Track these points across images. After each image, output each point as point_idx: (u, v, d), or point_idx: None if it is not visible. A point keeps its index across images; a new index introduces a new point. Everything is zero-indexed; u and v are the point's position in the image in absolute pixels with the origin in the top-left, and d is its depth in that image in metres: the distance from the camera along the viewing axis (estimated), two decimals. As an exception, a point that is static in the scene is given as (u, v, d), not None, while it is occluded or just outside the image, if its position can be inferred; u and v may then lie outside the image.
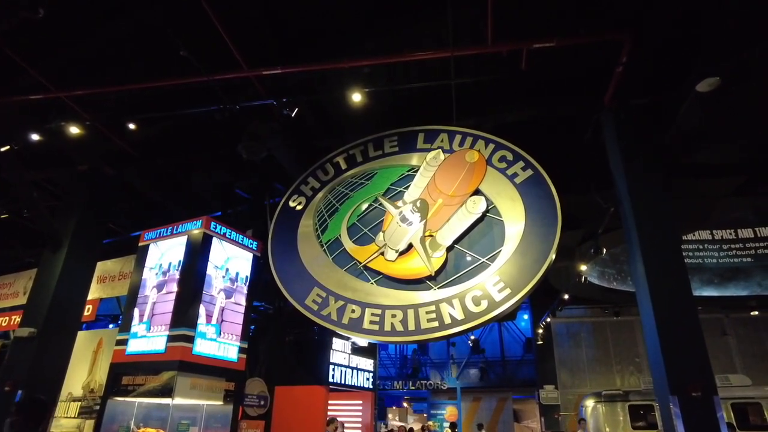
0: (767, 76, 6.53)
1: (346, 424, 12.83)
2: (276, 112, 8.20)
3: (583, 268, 11.90)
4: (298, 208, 9.01)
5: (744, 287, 14.55)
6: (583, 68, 7.88)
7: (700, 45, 6.61)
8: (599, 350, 18.40)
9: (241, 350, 8.76)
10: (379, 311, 7.27)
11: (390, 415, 22.29)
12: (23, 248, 13.08)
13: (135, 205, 11.94)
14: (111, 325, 13.43)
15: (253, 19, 7.35)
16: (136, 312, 8.63)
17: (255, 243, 9.68)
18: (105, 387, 8.43)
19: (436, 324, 6.84)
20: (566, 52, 7.39)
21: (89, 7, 7.06)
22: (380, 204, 8.33)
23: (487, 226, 7.45)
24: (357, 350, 13.53)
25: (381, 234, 7.97)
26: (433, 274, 7.27)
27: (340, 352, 12.90)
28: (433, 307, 7.00)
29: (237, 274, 9.16)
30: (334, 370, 12.45)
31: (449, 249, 7.44)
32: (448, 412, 21.99)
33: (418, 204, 7.89)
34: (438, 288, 7.19)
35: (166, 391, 7.43)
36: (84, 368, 11.00)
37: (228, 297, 8.81)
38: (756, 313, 17.08)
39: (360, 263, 7.84)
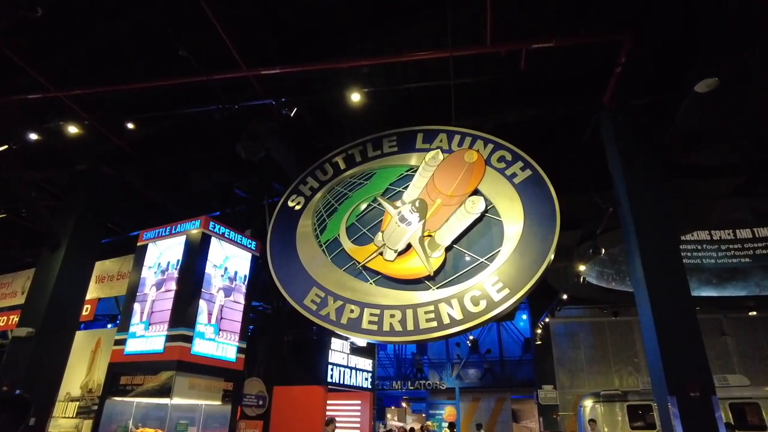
0: (767, 76, 6.52)
1: (344, 425, 12.83)
2: (275, 112, 8.20)
3: (582, 268, 11.90)
4: (297, 208, 9.01)
5: (742, 287, 14.57)
6: (582, 68, 7.89)
7: (700, 45, 6.61)
8: (598, 350, 18.41)
9: (239, 350, 8.76)
10: (377, 311, 7.27)
11: (389, 415, 22.31)
12: (22, 248, 13.06)
13: (134, 205, 11.93)
14: (109, 325, 13.41)
15: (252, 18, 7.35)
16: (135, 311, 8.62)
17: (254, 243, 9.67)
18: (103, 387, 8.42)
19: (434, 324, 6.85)
20: (565, 52, 7.40)
21: (89, 7, 7.05)
22: (379, 204, 8.33)
23: (485, 226, 7.46)
24: (356, 350, 13.53)
25: (380, 234, 7.97)
26: (431, 274, 7.28)
27: (338, 352, 12.90)
28: (431, 307, 7.00)
29: (236, 272, 9.16)
30: (332, 370, 12.44)
31: (448, 249, 7.45)
32: (447, 412, 22.00)
33: (416, 204, 7.89)
34: (437, 288, 7.19)
35: (165, 391, 7.42)
36: (82, 368, 10.99)
37: (227, 295, 8.81)
38: (754, 313, 17.09)
39: (359, 263, 7.84)
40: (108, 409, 8.03)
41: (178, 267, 8.50)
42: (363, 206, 8.51)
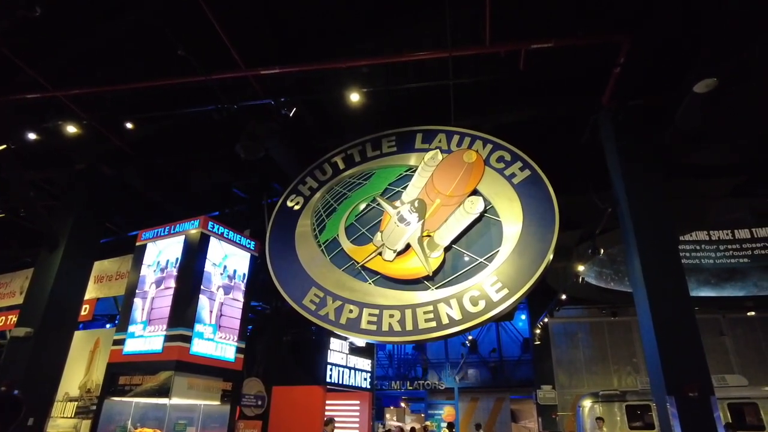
0: (767, 76, 6.53)
1: (343, 425, 12.82)
2: (274, 112, 8.19)
3: (581, 268, 11.91)
4: (296, 208, 9.01)
5: (741, 288, 14.58)
6: (581, 68, 7.90)
7: (700, 45, 6.61)
8: (596, 350, 18.42)
9: (238, 350, 8.75)
10: (376, 311, 7.27)
11: (387, 415, 22.28)
12: (20, 248, 13.04)
13: (132, 205, 11.91)
14: (108, 325, 13.39)
15: (252, 18, 7.35)
16: (136, 307, 8.62)
17: (252, 243, 9.67)
18: (102, 387, 8.40)
19: (433, 324, 6.85)
20: (564, 53, 7.40)
21: (88, 7, 7.04)
22: (378, 204, 8.33)
23: (484, 226, 7.46)
24: (355, 350, 13.52)
25: (379, 234, 7.97)
26: (430, 274, 7.28)
27: (337, 352, 12.89)
28: (430, 307, 7.00)
29: (234, 271, 9.16)
30: (331, 370, 12.44)
31: (447, 249, 7.45)
32: (446, 412, 21.98)
33: (416, 204, 7.90)
34: (436, 288, 7.19)
35: (164, 391, 7.41)
36: (81, 368, 10.97)
37: (226, 293, 8.83)
38: (753, 313, 17.12)
39: (358, 263, 7.84)
40: (106, 409, 8.01)
41: (177, 265, 8.50)
42: (362, 206, 8.51)
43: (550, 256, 6.77)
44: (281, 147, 9.02)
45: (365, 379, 13.79)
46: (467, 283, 7.05)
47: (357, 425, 13.30)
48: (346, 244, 8.15)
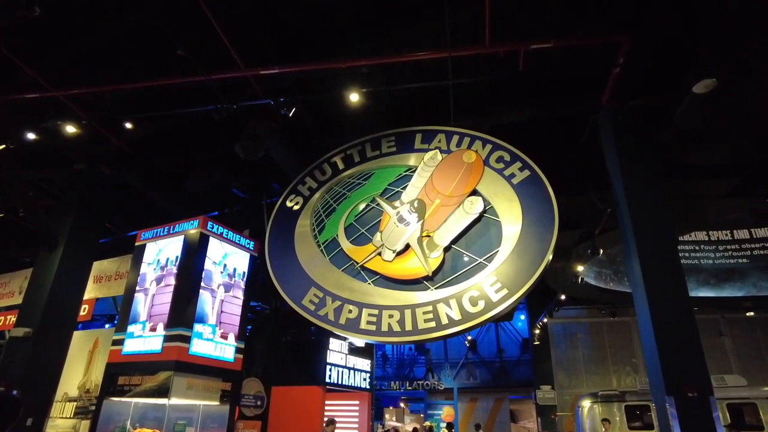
0: (767, 76, 6.53)
1: (343, 425, 12.81)
2: (274, 112, 8.19)
3: (580, 268, 11.91)
4: (296, 208, 9.00)
5: (740, 288, 14.59)
6: (581, 68, 7.90)
7: (700, 45, 6.61)
8: (596, 351, 18.43)
9: (237, 350, 8.74)
10: (376, 311, 7.27)
11: (387, 416, 22.27)
12: (19, 248, 13.02)
13: (132, 205, 11.90)
14: (107, 325, 13.39)
15: (252, 18, 7.34)
16: (136, 305, 8.61)
17: (252, 243, 9.66)
18: (101, 387, 8.39)
19: (433, 324, 6.85)
20: (564, 53, 7.41)
21: (88, 7, 7.03)
22: (378, 204, 8.33)
23: (484, 226, 7.46)
24: (354, 350, 13.52)
25: (378, 234, 7.97)
26: (430, 275, 7.28)
27: (337, 352, 12.89)
28: (430, 308, 7.00)
29: (234, 269, 9.16)
30: (330, 370, 12.44)
31: (446, 249, 7.45)
32: (445, 412, 21.98)
33: (415, 204, 7.89)
34: (435, 288, 7.19)
35: (163, 391, 7.40)
36: (80, 368, 10.96)
37: (227, 291, 8.85)
38: (752, 313, 17.13)
39: (357, 263, 7.84)
40: (106, 410, 8.00)
41: (177, 263, 8.51)
42: (361, 206, 8.50)
43: (550, 257, 6.77)
44: (281, 147, 9.02)
45: (364, 380, 13.79)
46: (467, 283, 7.05)
47: (356, 425, 13.30)
48: (346, 245, 8.14)
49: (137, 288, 8.80)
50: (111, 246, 12.38)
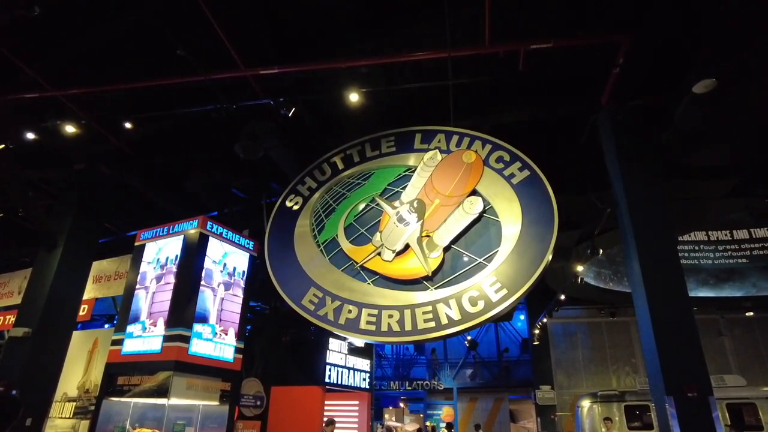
0: (767, 76, 6.53)
1: (342, 425, 12.81)
2: (273, 112, 8.19)
3: (580, 268, 11.92)
4: (295, 208, 9.00)
5: (739, 288, 14.59)
6: (580, 69, 7.90)
7: (700, 45, 6.61)
8: (595, 351, 18.43)
9: (237, 350, 8.74)
10: (375, 311, 7.27)
11: (386, 416, 22.27)
12: (18, 248, 13.01)
13: (131, 205, 11.90)
14: (106, 325, 13.39)
15: (251, 18, 7.33)
16: (137, 302, 8.61)
17: (251, 243, 9.66)
18: (100, 387, 8.38)
19: (432, 324, 6.84)
20: (564, 53, 7.40)
21: (88, 7, 7.03)
22: (377, 204, 8.33)
23: (484, 226, 7.46)
24: (353, 350, 13.52)
25: (378, 234, 7.97)
26: (430, 275, 7.27)
27: (336, 352, 12.89)
28: (429, 308, 6.99)
29: (234, 268, 9.16)
30: (330, 370, 12.44)
31: (446, 249, 7.44)
32: (445, 412, 21.98)
33: (415, 204, 7.89)
34: (435, 288, 7.19)
35: (162, 391, 7.39)
36: (79, 368, 10.95)
37: (227, 289, 8.85)
38: (751, 314, 17.14)
39: (357, 263, 7.83)
40: (105, 410, 7.99)
41: (177, 262, 8.51)
42: (361, 206, 8.50)
43: (549, 257, 6.77)
44: (280, 147, 9.02)
45: (364, 380, 13.79)
46: (466, 283, 7.04)
47: (356, 425, 13.29)
48: (345, 245, 8.14)
49: (137, 285, 8.80)
50: (110, 246, 12.38)
